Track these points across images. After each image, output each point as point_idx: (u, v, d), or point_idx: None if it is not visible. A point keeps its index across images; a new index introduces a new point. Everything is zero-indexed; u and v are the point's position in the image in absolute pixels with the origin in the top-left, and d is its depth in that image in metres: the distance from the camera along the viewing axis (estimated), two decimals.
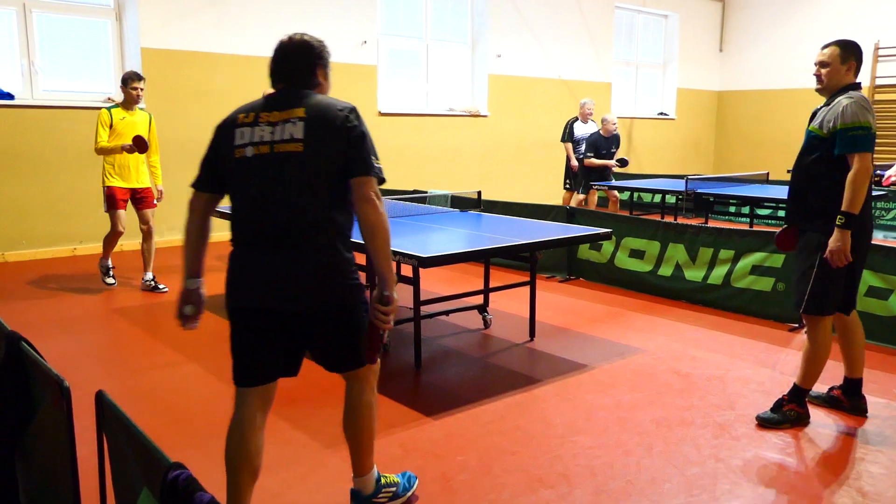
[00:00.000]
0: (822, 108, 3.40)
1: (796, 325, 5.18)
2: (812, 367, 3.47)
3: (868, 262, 4.90)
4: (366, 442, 2.64)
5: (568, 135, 9.73)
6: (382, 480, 2.74)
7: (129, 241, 7.19)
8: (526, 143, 11.80)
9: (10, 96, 7.44)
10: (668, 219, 8.62)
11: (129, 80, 5.96)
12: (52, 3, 7.81)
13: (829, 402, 3.74)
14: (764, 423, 3.51)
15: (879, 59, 13.00)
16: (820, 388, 3.92)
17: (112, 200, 5.94)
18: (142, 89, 6.00)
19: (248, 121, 2.42)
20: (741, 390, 3.99)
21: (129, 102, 5.98)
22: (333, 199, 2.36)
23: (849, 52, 3.35)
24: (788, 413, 3.51)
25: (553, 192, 10.09)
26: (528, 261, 4.85)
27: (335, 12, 9.47)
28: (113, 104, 6.06)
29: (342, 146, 2.35)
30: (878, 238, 8.88)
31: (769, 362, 4.46)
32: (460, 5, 11.34)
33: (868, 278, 4.88)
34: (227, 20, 8.56)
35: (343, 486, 2.92)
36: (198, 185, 2.52)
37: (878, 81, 12.99)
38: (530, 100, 11.95)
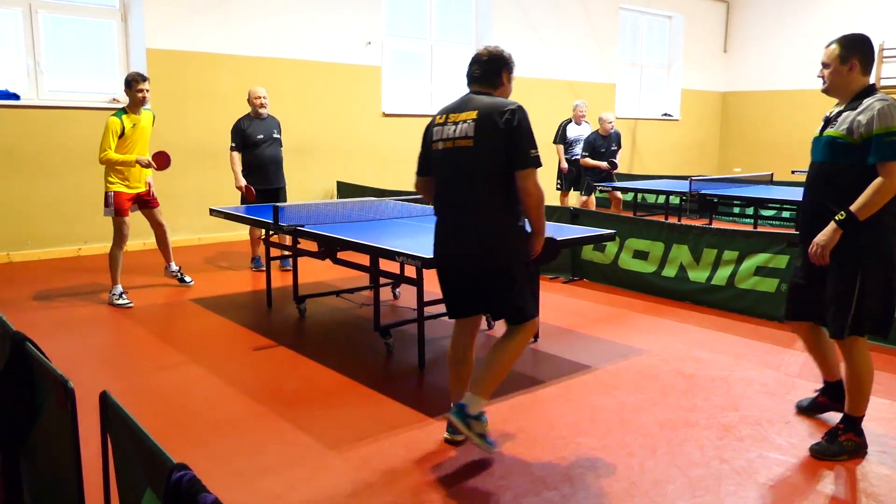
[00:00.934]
0: (842, 111, 3.12)
1: None
2: (860, 393, 3.21)
3: None
4: (497, 370, 3.13)
5: (560, 136, 9.75)
6: (484, 417, 3.12)
7: (130, 242, 7.20)
8: None
9: (15, 96, 7.47)
10: (672, 220, 8.61)
11: (135, 83, 5.76)
12: (58, 3, 7.83)
13: (815, 409, 3.66)
14: (820, 455, 3.21)
15: (885, 59, 12.96)
16: (804, 395, 3.91)
17: (119, 207, 5.81)
18: (147, 90, 5.82)
19: (441, 121, 3.17)
20: (745, 391, 3.98)
21: (135, 105, 5.81)
22: (498, 182, 3.02)
23: (850, 51, 3.09)
24: (845, 443, 3.21)
25: (556, 193, 10.11)
26: None
27: (340, 13, 9.47)
28: (121, 110, 5.81)
29: (504, 142, 2.98)
30: None
31: (773, 363, 4.45)
32: (464, 6, 11.34)
33: None
34: (232, 21, 8.57)
35: (346, 487, 2.92)
36: (419, 171, 3.35)
37: (884, 82, 12.94)
38: (534, 100, 11.88)
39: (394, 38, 10.50)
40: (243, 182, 6.82)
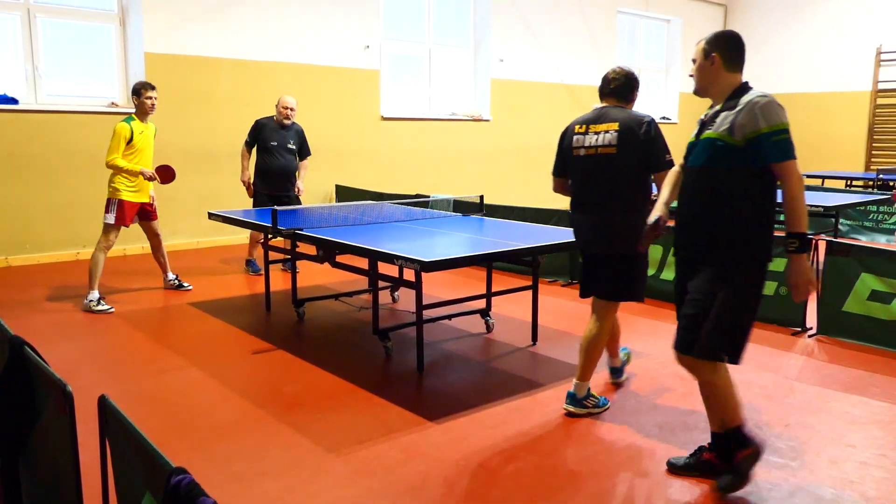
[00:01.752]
0: (719, 112, 2.88)
1: (799, 329, 5.18)
2: (728, 404, 2.97)
3: (871, 265, 4.90)
4: (593, 357, 3.68)
5: None
6: (591, 392, 3.73)
7: (130, 246, 7.20)
8: (528, 148, 11.80)
9: (13, 101, 7.47)
10: (671, 223, 8.60)
11: (143, 90, 5.78)
12: (57, 7, 7.84)
13: (696, 469, 3.06)
14: (728, 490, 2.88)
15: (882, 63, 12.99)
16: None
17: (122, 215, 5.80)
18: (155, 98, 5.85)
19: (582, 131, 3.64)
20: (744, 394, 3.95)
21: (143, 113, 5.83)
22: (633, 184, 3.55)
23: (712, 45, 2.89)
24: (743, 463, 2.87)
25: (556, 197, 10.11)
26: (531, 265, 4.85)
27: (338, 17, 9.49)
28: (129, 117, 5.85)
29: (642, 149, 3.49)
30: (881, 242, 8.87)
31: (772, 366, 4.46)
32: (463, 10, 11.36)
33: (871, 282, 4.87)
34: (230, 25, 8.58)
35: (345, 491, 2.92)
36: (555, 172, 3.84)
37: (881, 86, 12.97)
38: (532, 104, 11.96)
39: (392, 42, 10.52)
40: (247, 177, 6.97)
